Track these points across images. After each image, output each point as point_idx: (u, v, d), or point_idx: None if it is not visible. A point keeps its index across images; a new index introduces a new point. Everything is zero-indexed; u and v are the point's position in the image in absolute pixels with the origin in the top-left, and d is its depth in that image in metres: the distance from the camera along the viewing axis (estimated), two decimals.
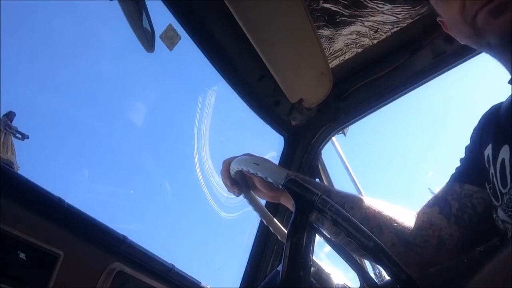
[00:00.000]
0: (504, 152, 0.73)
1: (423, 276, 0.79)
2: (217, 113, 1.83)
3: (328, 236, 0.60)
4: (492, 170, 0.77)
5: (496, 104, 0.86)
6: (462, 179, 0.86)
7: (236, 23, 1.23)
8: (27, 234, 0.86)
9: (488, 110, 0.87)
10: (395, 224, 0.87)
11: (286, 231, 0.60)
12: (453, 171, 0.91)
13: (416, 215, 0.90)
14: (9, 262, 0.83)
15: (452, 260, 0.79)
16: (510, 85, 0.76)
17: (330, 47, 1.57)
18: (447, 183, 0.89)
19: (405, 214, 0.91)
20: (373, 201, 0.91)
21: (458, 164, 0.91)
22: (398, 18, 1.49)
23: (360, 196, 0.96)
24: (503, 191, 0.72)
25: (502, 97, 0.83)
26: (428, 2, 0.81)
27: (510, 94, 0.79)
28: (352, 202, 0.91)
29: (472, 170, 0.85)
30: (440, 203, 0.87)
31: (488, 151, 0.79)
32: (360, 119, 1.72)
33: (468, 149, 0.90)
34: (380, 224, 0.87)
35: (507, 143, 0.72)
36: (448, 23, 0.76)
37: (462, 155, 0.91)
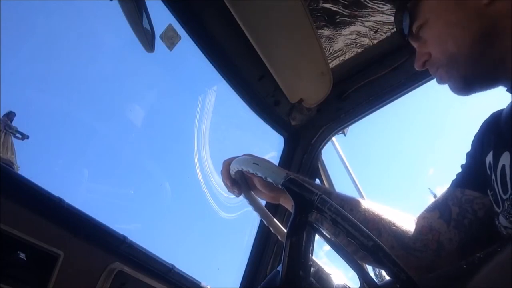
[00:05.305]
0: (504, 159, 0.73)
1: (421, 281, 0.78)
2: (217, 113, 1.82)
3: (328, 236, 0.59)
4: (493, 177, 0.77)
5: (497, 111, 0.86)
6: (463, 185, 0.86)
7: (236, 23, 1.23)
8: (27, 234, 0.86)
9: (489, 117, 0.88)
10: (394, 228, 0.87)
11: (286, 231, 0.59)
12: (454, 169, 0.91)
13: (416, 220, 0.90)
14: (9, 262, 0.84)
15: (452, 264, 0.79)
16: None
17: (330, 47, 1.57)
18: (448, 188, 0.89)
19: (404, 218, 0.90)
20: (373, 204, 0.91)
21: (458, 164, 0.91)
22: None
23: (360, 199, 0.95)
24: (504, 197, 0.72)
25: (502, 94, 0.83)
26: None
27: (510, 101, 0.79)
28: (352, 205, 0.90)
29: (473, 176, 0.85)
30: (440, 208, 0.87)
31: (489, 158, 0.79)
32: (360, 119, 1.72)
33: (469, 155, 0.90)
34: (379, 227, 0.86)
35: (508, 149, 0.73)
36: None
37: (463, 152, 0.92)
